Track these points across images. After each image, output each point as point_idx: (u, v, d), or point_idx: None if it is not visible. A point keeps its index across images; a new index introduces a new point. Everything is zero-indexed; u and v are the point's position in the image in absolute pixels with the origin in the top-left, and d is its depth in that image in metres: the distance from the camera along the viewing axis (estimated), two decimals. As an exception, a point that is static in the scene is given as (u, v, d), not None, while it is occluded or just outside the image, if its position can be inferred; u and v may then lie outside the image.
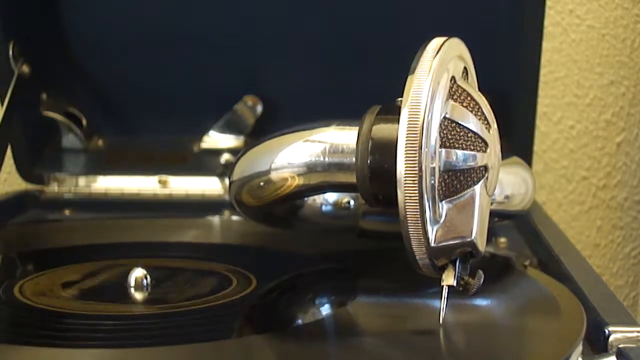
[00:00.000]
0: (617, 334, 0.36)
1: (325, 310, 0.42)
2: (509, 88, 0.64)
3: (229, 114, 0.67)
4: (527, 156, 0.63)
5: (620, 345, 0.35)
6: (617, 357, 0.35)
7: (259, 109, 0.67)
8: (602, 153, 0.78)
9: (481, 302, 0.40)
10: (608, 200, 0.79)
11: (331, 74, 0.66)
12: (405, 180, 0.34)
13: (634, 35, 0.76)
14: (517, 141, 0.63)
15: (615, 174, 0.78)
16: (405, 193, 0.34)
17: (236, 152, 0.62)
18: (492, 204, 0.43)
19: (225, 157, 0.66)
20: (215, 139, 0.67)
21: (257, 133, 0.66)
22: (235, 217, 0.60)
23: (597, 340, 0.36)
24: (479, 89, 0.38)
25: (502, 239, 0.54)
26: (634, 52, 0.76)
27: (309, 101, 0.65)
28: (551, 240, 0.51)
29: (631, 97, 0.77)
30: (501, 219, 0.52)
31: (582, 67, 0.76)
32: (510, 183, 0.46)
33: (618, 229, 0.79)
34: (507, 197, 0.45)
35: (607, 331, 0.36)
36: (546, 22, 0.67)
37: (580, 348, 0.35)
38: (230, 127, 0.67)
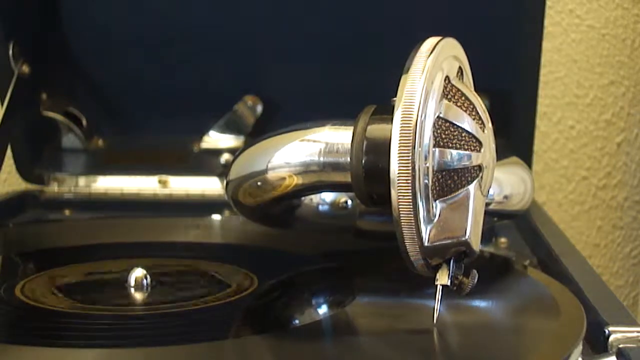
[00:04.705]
0: (617, 334, 0.36)
1: (325, 310, 0.42)
2: (509, 88, 0.64)
3: (229, 114, 0.67)
4: (527, 156, 0.64)
5: (620, 345, 0.35)
6: (617, 357, 0.35)
7: (259, 109, 0.67)
8: (602, 153, 0.78)
9: (481, 302, 0.40)
10: (608, 200, 0.79)
11: (331, 74, 0.66)
12: (398, 179, 0.34)
13: (634, 35, 0.76)
14: (517, 141, 0.63)
15: (615, 174, 0.78)
16: (398, 192, 0.34)
17: (236, 152, 0.63)
18: (490, 203, 0.43)
19: (225, 157, 0.67)
20: (215, 139, 0.67)
21: (257, 133, 0.66)
22: (235, 217, 0.60)
23: (597, 340, 0.36)
24: (479, 89, 0.38)
25: (502, 239, 0.54)
26: (634, 52, 0.76)
27: (309, 101, 0.65)
28: (551, 240, 0.51)
29: (631, 97, 0.77)
30: (500, 219, 0.52)
31: (582, 67, 0.76)
32: (508, 183, 0.46)
33: (618, 229, 0.79)
34: (505, 196, 0.45)
35: (607, 331, 0.36)
36: (546, 22, 0.67)
37: (580, 348, 0.35)
38: (230, 127, 0.67)
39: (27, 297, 0.41)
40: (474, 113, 0.36)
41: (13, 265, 0.51)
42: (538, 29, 0.62)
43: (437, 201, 0.35)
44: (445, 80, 0.36)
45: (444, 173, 0.35)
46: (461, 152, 0.35)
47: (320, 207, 0.48)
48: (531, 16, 0.62)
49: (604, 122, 0.77)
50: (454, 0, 0.64)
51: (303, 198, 0.47)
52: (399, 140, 0.34)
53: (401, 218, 0.34)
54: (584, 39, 0.76)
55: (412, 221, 0.34)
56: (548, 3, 0.70)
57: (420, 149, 0.34)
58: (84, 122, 0.68)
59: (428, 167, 0.34)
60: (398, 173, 0.34)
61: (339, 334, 0.38)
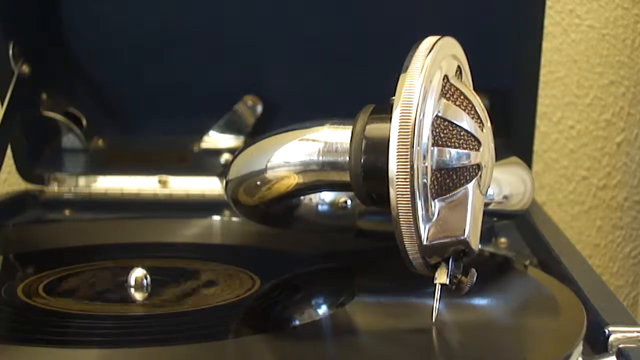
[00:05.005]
0: (617, 334, 0.36)
1: (325, 310, 0.42)
2: (509, 88, 0.64)
3: (229, 114, 0.67)
4: (527, 156, 0.64)
5: (620, 345, 0.35)
6: (617, 357, 0.35)
7: (259, 109, 0.67)
8: (602, 153, 0.78)
9: (481, 301, 0.40)
10: (608, 200, 0.79)
11: (331, 74, 0.66)
12: (397, 178, 0.34)
13: (634, 35, 0.76)
14: (517, 141, 0.63)
15: (615, 174, 0.78)
16: (397, 191, 0.34)
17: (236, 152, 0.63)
18: (490, 203, 0.43)
19: (225, 157, 0.67)
20: (215, 139, 0.67)
21: (257, 133, 0.66)
22: (235, 217, 0.60)
23: (597, 340, 0.36)
24: (479, 89, 0.38)
25: (502, 239, 0.54)
26: (634, 52, 0.76)
27: (309, 101, 0.65)
28: (551, 240, 0.51)
29: (631, 97, 0.77)
30: (500, 219, 0.52)
31: (582, 67, 0.76)
32: (508, 183, 0.46)
33: (618, 229, 0.79)
34: (505, 197, 0.45)
35: (607, 331, 0.36)
36: (546, 22, 0.67)
37: (580, 348, 0.35)
38: (230, 127, 0.67)
39: (28, 297, 0.41)
40: (472, 112, 0.36)
41: (13, 266, 0.51)
42: (538, 29, 0.62)
43: (436, 200, 0.35)
44: (443, 79, 0.36)
45: (442, 172, 0.35)
46: (460, 151, 0.35)
47: (320, 207, 0.48)
48: (531, 16, 0.62)
49: (604, 122, 0.77)
50: (454, 0, 0.64)
51: (302, 198, 0.47)
52: (398, 139, 0.34)
53: (400, 217, 0.34)
54: (584, 39, 0.76)
55: (411, 220, 0.34)
56: (548, 3, 0.70)
57: (418, 148, 0.34)
58: (84, 122, 0.68)
59: (426, 166, 0.34)
60: (397, 172, 0.34)
61: (339, 334, 0.38)
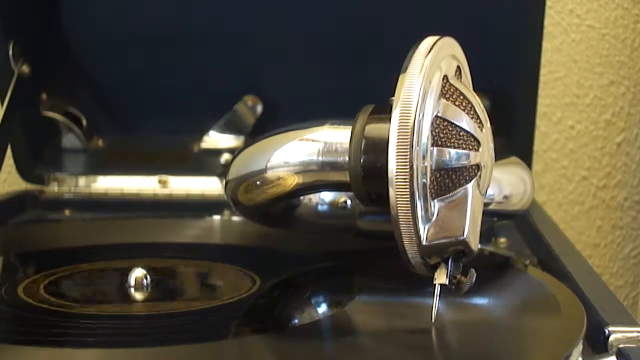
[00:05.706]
0: (617, 334, 0.36)
1: (325, 310, 0.42)
2: (509, 88, 0.64)
3: (229, 114, 0.67)
4: (527, 156, 0.64)
5: (620, 345, 0.35)
6: (617, 357, 0.35)
7: (259, 109, 0.67)
8: (602, 153, 0.78)
9: (481, 301, 0.40)
10: (608, 200, 0.79)
11: (331, 74, 0.66)
12: (396, 178, 0.34)
13: (634, 35, 0.76)
14: (517, 141, 0.63)
15: (615, 174, 0.78)
16: (396, 191, 0.34)
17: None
18: (490, 203, 0.43)
19: (225, 157, 0.67)
20: (215, 139, 0.67)
21: (257, 133, 0.66)
22: (235, 217, 0.60)
23: (597, 340, 0.36)
24: (479, 89, 0.38)
25: (502, 239, 0.54)
26: (634, 52, 0.76)
27: (309, 101, 0.65)
28: (551, 240, 0.51)
29: (631, 97, 0.77)
30: (500, 219, 0.52)
31: (582, 67, 0.76)
32: (508, 183, 0.46)
33: (618, 229, 0.79)
34: (505, 197, 0.45)
35: (607, 331, 0.36)
36: (546, 22, 0.67)
37: (580, 348, 0.35)
38: (230, 127, 0.67)
39: (28, 297, 0.41)
40: (472, 112, 0.36)
41: (13, 266, 0.51)
42: (538, 29, 0.62)
43: (435, 200, 0.35)
44: (443, 79, 0.36)
45: (442, 172, 0.35)
46: (459, 151, 0.35)
47: (320, 207, 0.48)
48: (531, 16, 0.62)
49: (604, 122, 0.77)
50: (454, 0, 0.64)
51: (302, 198, 0.47)
52: (397, 139, 0.34)
53: (399, 217, 0.34)
54: (584, 39, 0.76)
55: (410, 220, 0.34)
56: (548, 3, 0.70)
57: (418, 148, 0.34)
58: (84, 122, 0.68)
59: (426, 166, 0.34)
60: (396, 172, 0.34)
61: (338, 334, 0.38)
